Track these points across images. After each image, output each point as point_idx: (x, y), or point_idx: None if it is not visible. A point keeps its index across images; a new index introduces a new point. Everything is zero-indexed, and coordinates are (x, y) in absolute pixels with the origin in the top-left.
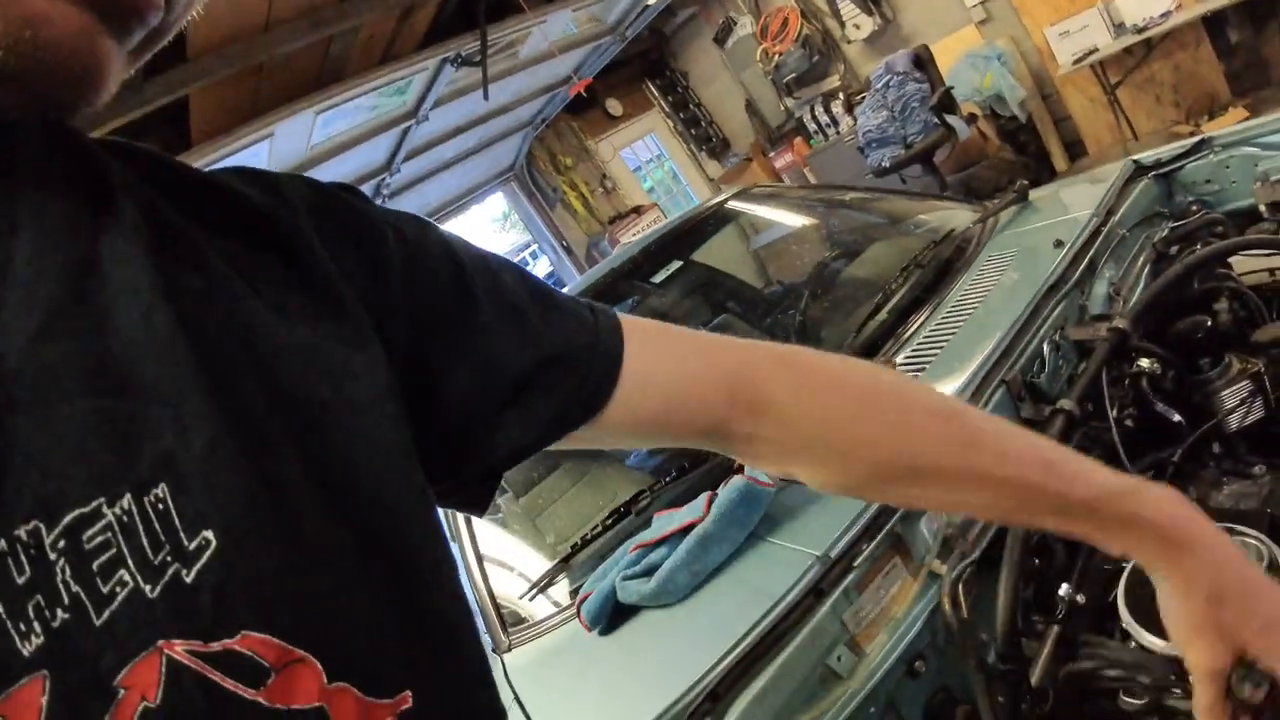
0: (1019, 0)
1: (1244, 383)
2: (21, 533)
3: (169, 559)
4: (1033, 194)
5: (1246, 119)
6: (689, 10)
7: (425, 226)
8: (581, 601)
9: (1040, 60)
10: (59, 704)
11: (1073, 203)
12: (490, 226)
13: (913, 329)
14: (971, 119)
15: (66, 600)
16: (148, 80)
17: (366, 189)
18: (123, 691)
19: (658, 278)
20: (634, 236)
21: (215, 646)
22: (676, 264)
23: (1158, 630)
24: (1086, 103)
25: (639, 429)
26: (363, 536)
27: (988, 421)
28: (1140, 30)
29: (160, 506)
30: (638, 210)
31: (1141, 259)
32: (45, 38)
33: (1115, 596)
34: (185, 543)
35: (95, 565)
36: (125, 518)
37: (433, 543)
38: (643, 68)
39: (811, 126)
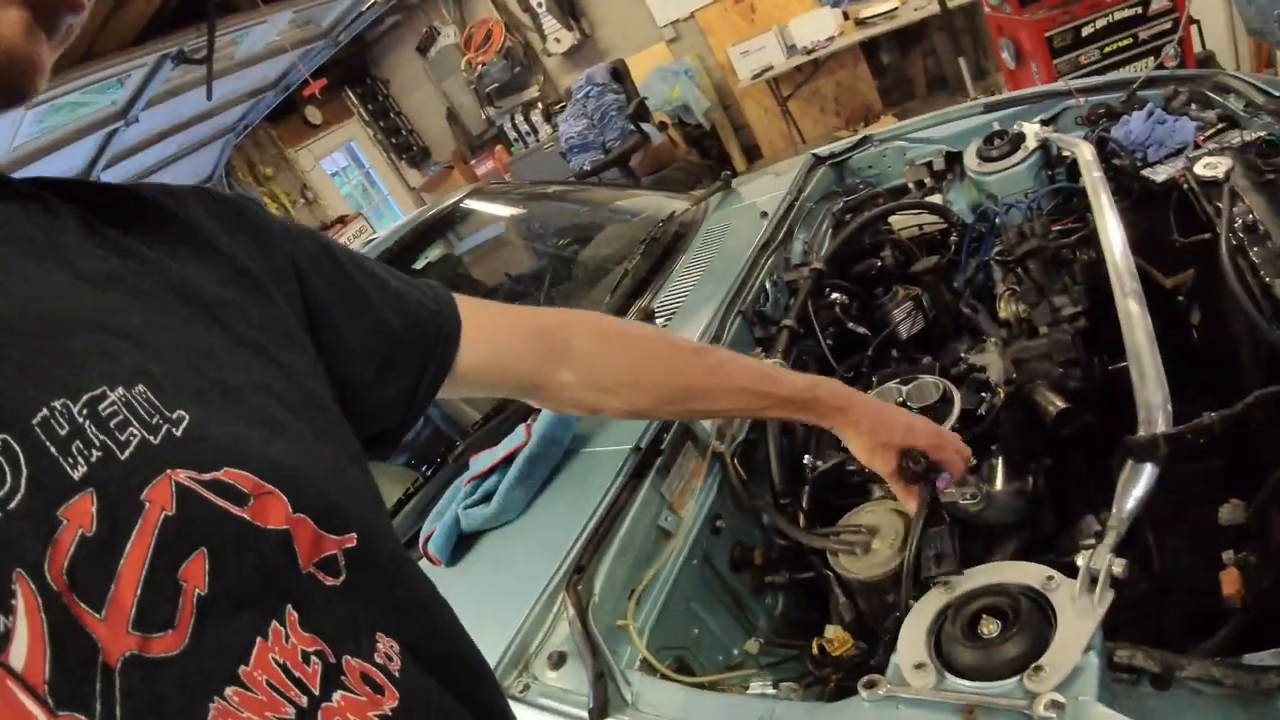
0: (705, 22)
1: (908, 304)
2: (56, 404)
3: (161, 422)
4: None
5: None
6: (393, 18)
7: (302, 228)
8: (426, 540)
9: (723, 75)
10: (105, 512)
11: (768, 188)
12: None
13: (661, 283)
14: (662, 126)
15: (97, 444)
16: None
17: None
18: (148, 504)
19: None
20: None
21: (207, 476)
22: (429, 258)
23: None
24: (762, 112)
25: (476, 383)
26: (306, 395)
27: (724, 353)
28: (809, 51)
29: (145, 396)
30: (343, 220)
31: (825, 224)
32: None
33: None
34: (169, 414)
35: (112, 425)
36: (125, 399)
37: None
38: (342, 75)
39: (512, 135)
